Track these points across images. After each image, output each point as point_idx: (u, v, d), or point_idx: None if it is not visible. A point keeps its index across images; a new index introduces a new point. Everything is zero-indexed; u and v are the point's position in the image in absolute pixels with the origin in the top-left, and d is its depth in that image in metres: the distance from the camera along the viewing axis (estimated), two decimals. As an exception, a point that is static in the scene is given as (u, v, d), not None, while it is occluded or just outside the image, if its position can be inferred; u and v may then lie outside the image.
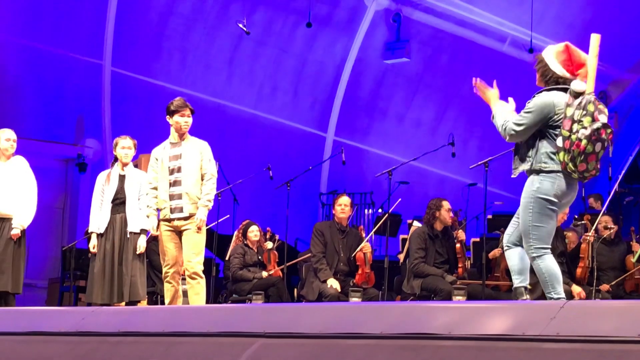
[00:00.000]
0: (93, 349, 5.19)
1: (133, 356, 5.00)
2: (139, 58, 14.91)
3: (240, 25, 13.97)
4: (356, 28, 16.55)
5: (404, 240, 11.08)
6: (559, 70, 5.55)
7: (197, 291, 7.42)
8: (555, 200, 5.48)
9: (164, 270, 7.57)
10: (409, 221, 11.74)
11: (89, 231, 8.41)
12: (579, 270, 9.16)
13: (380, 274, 9.86)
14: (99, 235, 8.23)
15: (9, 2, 13.63)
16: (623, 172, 18.29)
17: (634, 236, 10.22)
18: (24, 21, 13.73)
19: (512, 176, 5.69)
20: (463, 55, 17.19)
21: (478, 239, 11.36)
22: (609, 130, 5.35)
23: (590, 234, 9.34)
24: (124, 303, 8.14)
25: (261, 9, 15.46)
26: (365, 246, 9.60)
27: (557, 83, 5.55)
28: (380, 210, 14.31)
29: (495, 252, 9.76)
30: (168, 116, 7.57)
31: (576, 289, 8.79)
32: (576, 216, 11.90)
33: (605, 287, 9.32)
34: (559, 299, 5.45)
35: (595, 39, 5.51)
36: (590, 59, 5.48)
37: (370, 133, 17.35)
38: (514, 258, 5.72)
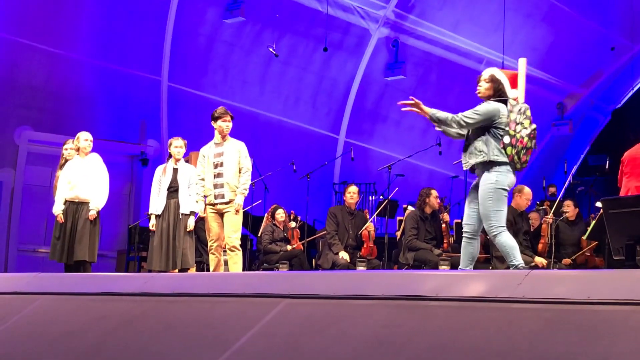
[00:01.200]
0: (153, 306, 5.20)
1: (184, 312, 5.01)
2: (190, 75, 14.93)
3: (271, 49, 13.96)
4: (363, 52, 16.51)
5: (400, 221, 11.06)
6: (508, 91, 5.68)
7: (235, 261, 7.43)
8: (507, 188, 5.58)
9: (209, 244, 7.59)
10: (405, 206, 11.72)
11: (149, 213, 8.44)
12: (540, 246, 9.12)
13: (381, 248, 9.85)
14: (157, 216, 8.25)
15: (83, 29, 13.67)
16: (575, 167, 18.22)
17: (591, 220, 10.17)
18: (97, 45, 13.76)
19: (464, 168, 5.72)
20: (448, 74, 17.14)
21: (459, 220, 11.33)
22: (535, 131, 5.59)
23: (549, 216, 9.29)
24: (177, 270, 8.16)
25: (287, 36, 15.44)
26: (369, 225, 9.59)
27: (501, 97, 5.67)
28: (381, 197, 14.27)
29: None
30: (213, 121, 7.57)
31: (538, 259, 8.76)
32: (538, 202, 11.85)
33: (566, 261, 9.25)
34: (519, 264, 5.49)
35: (522, 62, 5.63)
36: (520, 77, 5.61)
37: (374, 135, 17.33)
38: (476, 248, 5.75)
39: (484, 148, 5.55)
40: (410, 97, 5.74)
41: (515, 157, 5.47)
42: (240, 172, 7.48)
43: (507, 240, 5.54)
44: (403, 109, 5.69)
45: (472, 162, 5.62)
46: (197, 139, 9.28)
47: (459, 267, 5.79)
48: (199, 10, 14.62)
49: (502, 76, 5.71)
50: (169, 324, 4.88)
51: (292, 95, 16.23)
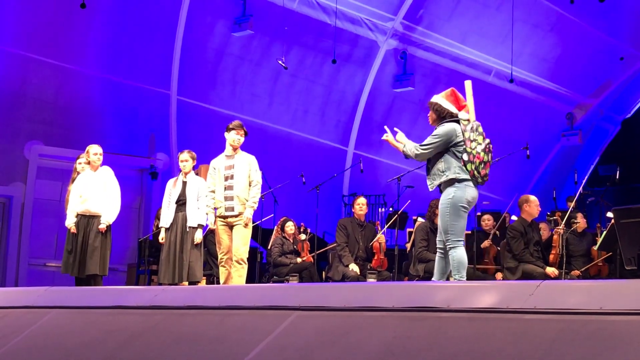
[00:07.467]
0: (163, 319, 5.21)
1: (195, 325, 5.02)
2: (199, 88, 14.98)
3: (280, 62, 13.97)
4: (371, 63, 16.53)
5: (410, 232, 11.04)
6: (451, 108, 6.07)
7: (241, 274, 7.46)
8: (467, 205, 5.89)
9: (219, 256, 7.61)
10: (414, 217, 11.70)
11: (159, 226, 8.46)
12: (551, 257, 9.10)
13: (391, 260, 9.84)
14: (166, 229, 8.28)
15: (92, 43, 13.74)
16: (586, 177, 18.16)
17: (599, 231, 10.15)
18: (106, 59, 13.82)
19: (430, 189, 6.05)
20: (457, 85, 17.04)
21: (470, 232, 11.31)
22: (490, 145, 5.96)
23: (560, 227, 9.27)
24: (186, 283, 8.17)
25: (296, 49, 15.48)
26: (381, 237, 9.59)
27: (450, 117, 6.03)
28: (391, 209, 14.25)
29: (486, 243, 9.73)
30: (226, 132, 7.66)
31: (550, 269, 8.74)
32: (548, 213, 11.83)
33: (576, 272, 9.23)
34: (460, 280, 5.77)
35: (468, 84, 6.00)
36: (468, 98, 5.96)
37: (383, 147, 17.30)
38: (448, 263, 5.99)
39: (445, 168, 5.89)
40: (385, 126, 6.12)
41: (475, 172, 5.84)
42: (250, 185, 7.51)
43: (461, 256, 5.84)
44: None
45: (436, 183, 5.97)
46: (206, 152, 9.31)
47: (433, 279, 6.08)
48: (207, 24, 14.69)
49: (438, 99, 6.12)
50: (180, 337, 4.89)
51: (301, 108, 16.26)
